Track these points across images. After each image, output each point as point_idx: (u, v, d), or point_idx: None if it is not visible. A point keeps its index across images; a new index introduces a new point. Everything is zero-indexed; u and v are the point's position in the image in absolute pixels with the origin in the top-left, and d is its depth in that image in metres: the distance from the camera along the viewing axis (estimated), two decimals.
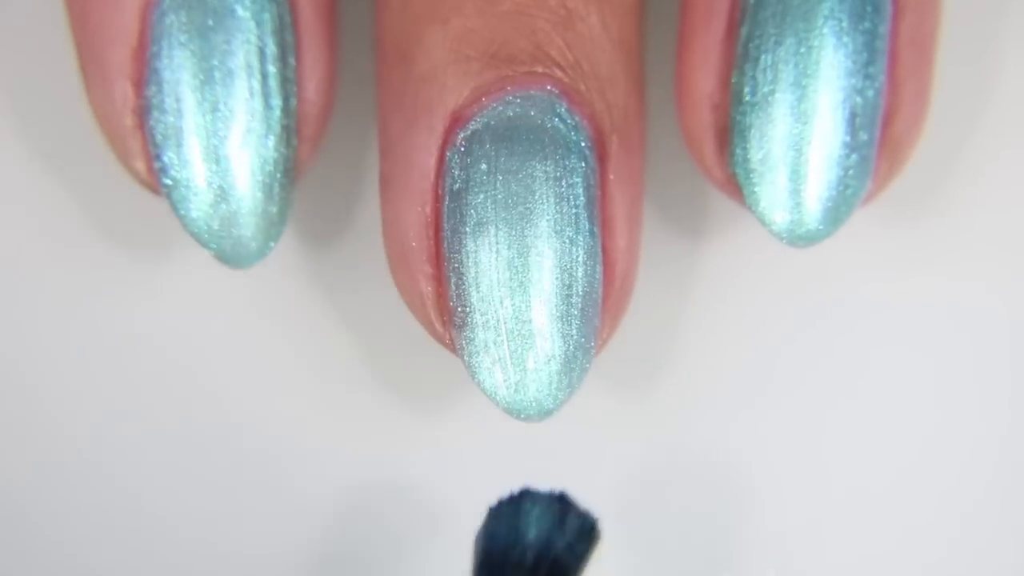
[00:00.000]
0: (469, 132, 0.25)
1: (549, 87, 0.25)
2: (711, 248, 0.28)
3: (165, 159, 0.24)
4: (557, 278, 0.24)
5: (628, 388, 0.28)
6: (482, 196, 0.24)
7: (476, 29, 0.25)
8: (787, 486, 0.28)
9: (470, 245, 0.24)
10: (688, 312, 0.28)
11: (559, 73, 0.25)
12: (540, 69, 0.25)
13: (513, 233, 0.24)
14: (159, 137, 0.24)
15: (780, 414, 0.28)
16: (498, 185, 0.24)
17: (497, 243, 0.24)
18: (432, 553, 0.27)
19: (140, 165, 0.25)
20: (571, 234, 0.25)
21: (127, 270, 0.27)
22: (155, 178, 0.24)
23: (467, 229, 0.24)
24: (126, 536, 0.27)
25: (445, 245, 0.25)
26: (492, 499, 0.27)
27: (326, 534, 0.27)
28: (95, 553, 0.27)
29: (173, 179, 0.24)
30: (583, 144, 0.25)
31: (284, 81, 0.24)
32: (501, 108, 0.25)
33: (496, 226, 0.24)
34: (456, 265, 0.25)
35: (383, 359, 0.28)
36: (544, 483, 0.27)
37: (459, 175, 0.25)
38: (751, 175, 0.25)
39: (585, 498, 0.27)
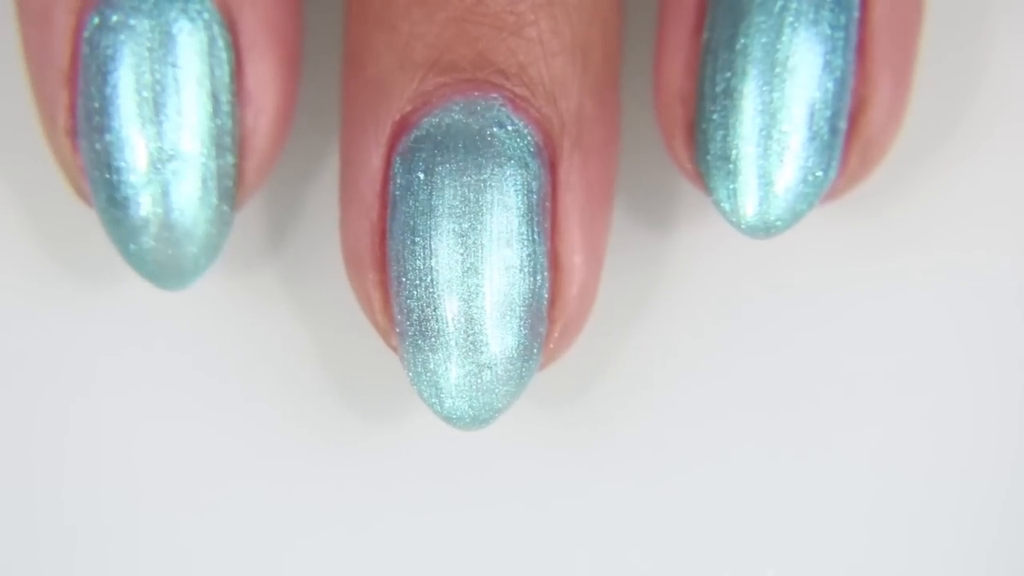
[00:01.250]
0: (411, 139, 0.25)
1: (492, 94, 0.25)
2: (688, 243, 0.28)
3: (94, 179, 0.25)
4: (494, 286, 0.24)
5: (604, 390, 0.28)
6: (419, 204, 0.25)
7: (422, 35, 0.25)
8: (786, 485, 0.28)
9: (407, 253, 0.25)
10: (665, 308, 0.28)
11: (501, 79, 0.25)
12: (482, 76, 0.25)
13: (448, 241, 0.24)
14: (87, 160, 0.25)
15: (777, 411, 0.28)
16: (434, 193, 0.24)
17: (434, 251, 0.24)
18: (401, 553, 0.28)
19: (79, 186, 0.25)
20: (508, 241, 0.24)
21: (75, 289, 0.28)
22: (91, 198, 0.25)
23: (405, 236, 0.25)
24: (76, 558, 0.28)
25: (388, 251, 0.25)
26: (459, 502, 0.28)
27: (302, 539, 0.28)
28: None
29: (101, 201, 0.25)
30: (525, 151, 0.25)
31: (216, 102, 0.25)
32: (442, 115, 0.25)
33: (431, 234, 0.24)
34: (396, 272, 0.25)
35: (343, 363, 0.28)
36: (527, 484, 0.28)
37: (400, 183, 0.25)
38: (711, 169, 0.25)
39: (579, 498, 0.28)
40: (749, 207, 0.25)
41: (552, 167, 0.25)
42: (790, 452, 0.28)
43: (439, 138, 0.24)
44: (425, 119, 0.25)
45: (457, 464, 0.28)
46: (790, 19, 0.25)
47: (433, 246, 0.24)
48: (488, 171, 0.24)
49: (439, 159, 0.24)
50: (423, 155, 0.24)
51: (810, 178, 0.25)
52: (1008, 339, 0.28)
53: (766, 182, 0.25)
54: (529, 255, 0.25)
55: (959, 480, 0.27)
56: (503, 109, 0.25)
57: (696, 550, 0.28)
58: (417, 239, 0.24)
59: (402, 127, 0.25)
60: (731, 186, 0.25)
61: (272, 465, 0.28)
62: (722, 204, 0.25)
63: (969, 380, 0.28)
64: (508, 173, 0.24)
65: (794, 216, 0.25)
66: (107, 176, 0.24)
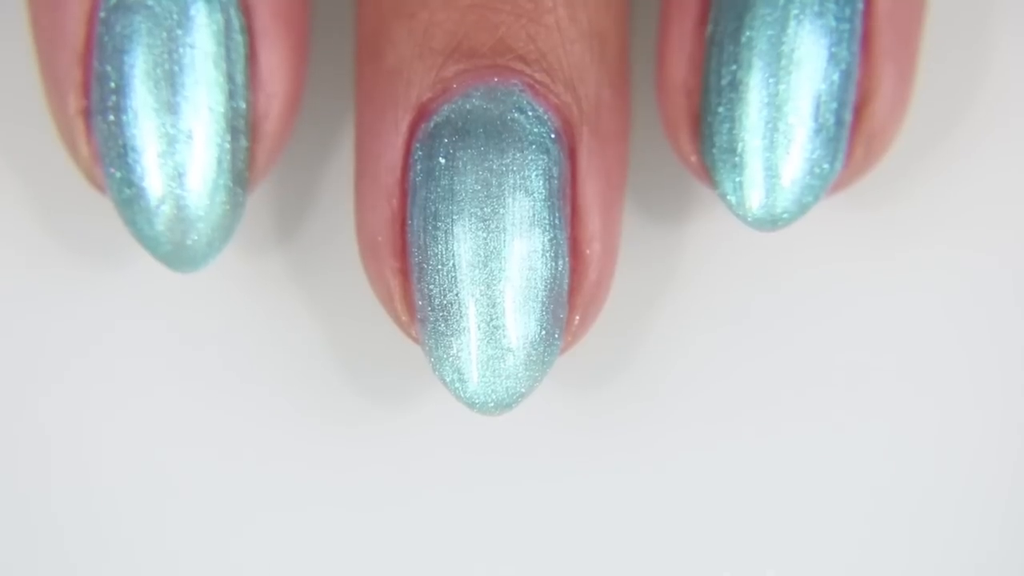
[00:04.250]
0: (431, 126, 0.25)
1: (512, 80, 0.25)
2: (697, 237, 0.28)
3: (107, 162, 0.25)
4: (516, 271, 0.24)
5: (615, 382, 0.28)
6: (440, 190, 0.25)
7: (441, 23, 0.25)
8: (786, 484, 0.28)
9: (428, 239, 0.25)
10: (676, 303, 0.28)
11: (521, 65, 0.25)
12: (502, 62, 0.25)
13: (471, 226, 0.24)
14: (102, 141, 0.25)
15: (777, 409, 0.28)
16: (455, 178, 0.24)
17: (456, 236, 0.24)
18: (403, 543, 0.28)
19: (90, 168, 0.25)
20: (531, 226, 0.24)
21: (85, 273, 0.28)
22: (102, 181, 0.25)
23: (426, 223, 0.25)
24: (73, 536, 0.28)
25: (409, 239, 0.25)
26: (468, 492, 0.27)
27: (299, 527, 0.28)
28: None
29: (116, 182, 0.25)
30: (546, 136, 0.25)
31: (232, 84, 0.25)
32: (462, 102, 0.25)
33: (453, 220, 0.24)
34: (417, 259, 0.25)
35: (354, 352, 0.28)
36: (529, 480, 0.28)
37: (420, 169, 0.25)
38: (716, 162, 0.25)
39: (578, 497, 0.28)
40: (755, 200, 0.25)
41: (571, 154, 0.25)
42: (797, 446, 0.28)
43: (460, 124, 0.25)
44: (445, 106, 0.25)
45: (471, 451, 0.27)
46: (795, 11, 0.25)
47: (455, 231, 0.24)
48: (510, 156, 0.24)
49: (460, 145, 0.24)
50: (444, 141, 0.25)
51: (816, 170, 0.25)
52: (1013, 333, 0.28)
53: (772, 174, 0.25)
54: (551, 240, 0.25)
55: (961, 479, 0.28)
56: (523, 95, 0.25)
57: (697, 544, 0.28)
58: (439, 224, 0.24)
59: (422, 114, 0.25)
60: (737, 179, 0.25)
61: (283, 450, 0.27)
62: (728, 197, 0.25)
63: (974, 377, 0.28)
64: (529, 158, 0.24)
65: (801, 208, 0.25)
66: (123, 156, 0.24)
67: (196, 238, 0.25)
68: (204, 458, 0.27)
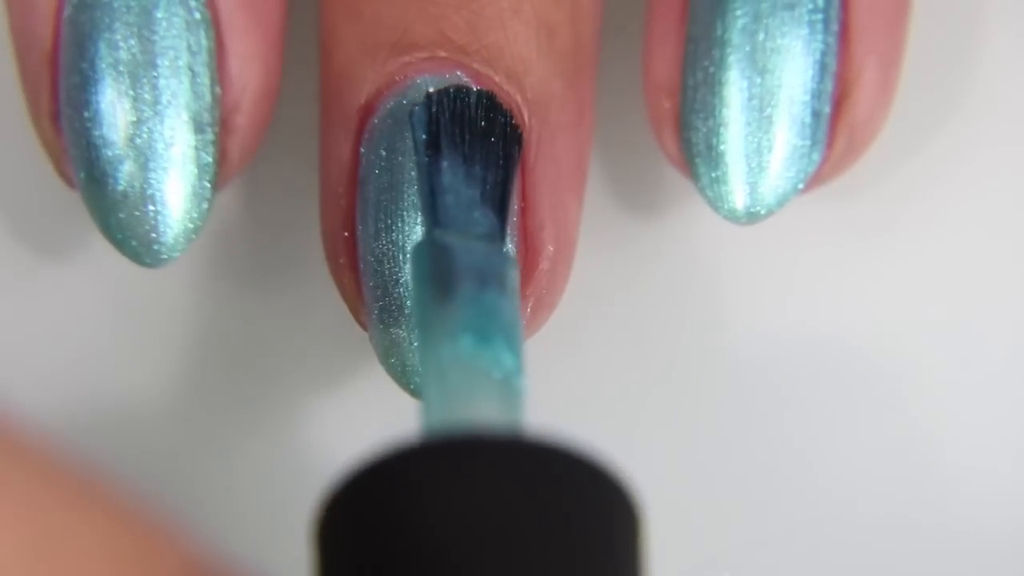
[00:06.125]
0: (375, 121, 0.25)
1: (457, 72, 0.25)
2: (680, 229, 0.28)
3: (74, 157, 0.25)
4: None
5: (607, 374, 0.28)
6: (381, 181, 0.25)
7: (383, 19, 0.25)
8: (786, 483, 0.27)
9: (372, 230, 0.25)
10: (656, 298, 0.28)
11: (461, 56, 0.25)
12: (443, 54, 0.25)
13: (412, 214, 0.25)
14: (69, 138, 0.25)
15: (775, 407, 0.27)
16: (393, 171, 0.25)
17: (397, 226, 0.25)
18: None
19: (61, 165, 0.26)
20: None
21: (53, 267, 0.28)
22: (72, 178, 0.25)
23: (369, 214, 0.25)
24: None
25: (357, 233, 0.25)
26: None
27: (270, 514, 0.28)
28: None
29: (82, 176, 0.25)
30: None
31: (194, 77, 0.25)
32: (403, 95, 0.25)
33: (392, 208, 0.25)
34: (363, 252, 0.25)
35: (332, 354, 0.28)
36: None
37: (364, 164, 0.25)
38: (694, 157, 0.25)
39: None
40: (730, 194, 0.25)
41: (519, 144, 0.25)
42: (787, 441, 0.27)
43: (400, 116, 0.25)
44: (390, 100, 0.25)
45: None
46: (767, 5, 0.25)
47: (394, 221, 0.25)
48: None
49: (399, 136, 0.25)
50: (385, 134, 0.25)
51: (792, 164, 0.25)
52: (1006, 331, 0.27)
53: (748, 169, 0.25)
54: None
55: (961, 478, 0.27)
56: None
57: (722, 549, 0.27)
58: (380, 215, 0.25)
59: (367, 112, 0.25)
60: (713, 174, 0.25)
61: (260, 451, 0.28)
62: (706, 191, 0.25)
63: (965, 372, 0.27)
64: None
65: (777, 202, 0.25)
66: (85, 152, 0.25)
67: (161, 232, 0.25)
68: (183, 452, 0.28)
